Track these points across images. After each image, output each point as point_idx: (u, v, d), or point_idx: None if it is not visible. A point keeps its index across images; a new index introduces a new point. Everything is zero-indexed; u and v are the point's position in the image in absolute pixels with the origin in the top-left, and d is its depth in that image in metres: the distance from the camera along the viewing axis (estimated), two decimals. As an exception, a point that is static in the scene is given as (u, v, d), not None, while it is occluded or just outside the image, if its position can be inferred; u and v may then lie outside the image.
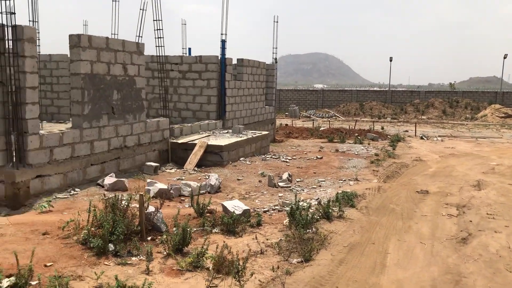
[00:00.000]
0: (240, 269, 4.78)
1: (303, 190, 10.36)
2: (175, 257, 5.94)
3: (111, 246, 6.06)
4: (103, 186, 9.85)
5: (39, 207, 8.17)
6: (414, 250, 6.72)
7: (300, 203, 7.84)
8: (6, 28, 8.34)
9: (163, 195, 9.08)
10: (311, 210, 7.78)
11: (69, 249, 6.12)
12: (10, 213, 8.05)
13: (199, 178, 11.24)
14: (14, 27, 8.38)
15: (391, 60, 54.13)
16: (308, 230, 6.97)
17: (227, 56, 16.73)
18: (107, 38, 10.53)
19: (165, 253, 6.13)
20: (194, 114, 17.06)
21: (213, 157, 13.00)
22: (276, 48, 21.19)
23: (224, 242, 6.02)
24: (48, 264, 5.62)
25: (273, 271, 5.51)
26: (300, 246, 6.28)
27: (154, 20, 12.99)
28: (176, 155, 13.25)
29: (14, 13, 8.30)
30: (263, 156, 14.95)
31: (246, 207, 7.78)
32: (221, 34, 16.35)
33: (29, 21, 13.69)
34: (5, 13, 8.27)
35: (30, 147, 8.64)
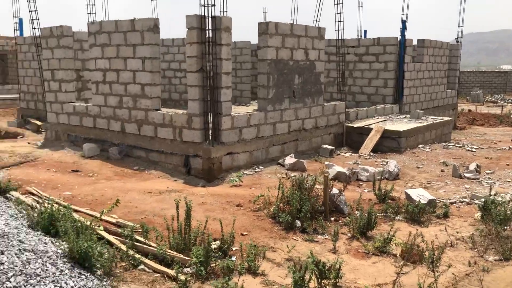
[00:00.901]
0: (435, 259, 4.60)
1: (494, 183, 9.39)
2: (360, 240, 5.99)
3: (298, 223, 6.40)
4: (283, 166, 10.39)
5: (231, 181, 9.01)
6: None
7: (495, 197, 7.14)
8: (207, 19, 9.28)
9: (341, 178, 9.19)
10: (509, 205, 7.02)
11: (261, 221, 6.64)
12: (206, 184, 9.06)
13: (376, 163, 11.05)
14: (214, 18, 9.27)
15: None
16: (506, 227, 6.33)
17: (406, 37, 15.94)
18: (291, 24, 10.95)
19: (349, 234, 6.23)
20: (369, 98, 16.73)
21: (389, 143, 12.63)
22: (462, 26, 19.39)
23: (417, 230, 5.85)
24: (244, 233, 6.20)
25: (469, 266, 5.17)
26: (498, 243, 5.74)
27: (335, 4, 13.04)
28: (350, 139, 13.22)
29: (214, 5, 9.17)
30: (444, 144, 13.95)
31: (432, 197, 7.41)
32: (402, 14, 15.63)
33: (220, 11, 14.99)
34: (206, 5, 9.19)
35: (223, 127, 9.55)
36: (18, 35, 17.80)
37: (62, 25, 12.16)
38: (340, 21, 13.20)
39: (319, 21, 14.95)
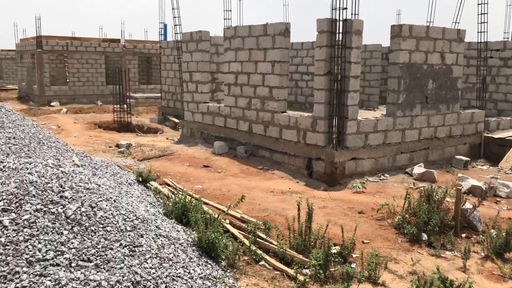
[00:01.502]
0: None
1: None
2: (495, 261, 5.47)
3: (424, 236, 6.05)
4: (411, 175, 9.90)
5: (353, 187, 8.85)
6: None
7: None
8: (337, 22, 9.24)
9: (476, 193, 8.46)
10: None
11: (383, 231, 6.42)
12: (328, 188, 9.01)
13: (518, 179, 9.95)
14: (345, 21, 9.19)
15: None
16: None
17: None
18: (427, 26, 10.38)
19: (482, 254, 5.72)
20: (513, 107, 15.12)
21: (536, 157, 11.25)
22: None
23: None
24: (365, 241, 6.05)
25: None
26: None
27: (478, 4, 12.04)
28: (489, 150, 12.08)
29: (346, 8, 9.09)
30: None
31: None
32: (560, 13, 13.83)
33: (351, 14, 14.79)
34: (338, 8, 9.16)
35: (348, 131, 9.41)
36: (162, 39, 19.59)
37: (201, 30, 13.08)
38: (484, 22, 12.14)
39: (458, 22, 13.98)
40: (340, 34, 9.26)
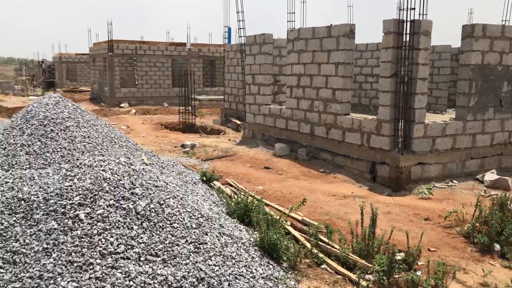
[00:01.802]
0: None
1: None
2: None
3: (496, 246, 5.75)
4: (482, 182, 9.41)
5: (419, 193, 8.55)
6: None
7: None
8: (405, 23, 8.99)
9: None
10: None
11: (451, 239, 6.16)
12: (392, 193, 8.77)
13: None
14: (412, 22, 8.92)
15: None
16: None
17: None
18: (503, 26, 9.83)
19: (562, 269, 5.33)
20: None
21: None
22: None
23: None
24: (432, 249, 5.83)
25: None
26: None
27: (560, 0, 11.22)
28: None
29: (414, 9, 8.83)
30: None
31: None
32: None
33: (419, 14, 14.30)
34: (405, 9, 8.91)
35: (415, 135, 9.11)
36: (226, 42, 19.98)
37: (265, 33, 13.20)
38: None
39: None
40: (407, 35, 9.01)
